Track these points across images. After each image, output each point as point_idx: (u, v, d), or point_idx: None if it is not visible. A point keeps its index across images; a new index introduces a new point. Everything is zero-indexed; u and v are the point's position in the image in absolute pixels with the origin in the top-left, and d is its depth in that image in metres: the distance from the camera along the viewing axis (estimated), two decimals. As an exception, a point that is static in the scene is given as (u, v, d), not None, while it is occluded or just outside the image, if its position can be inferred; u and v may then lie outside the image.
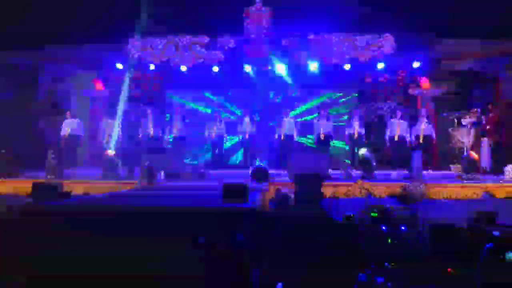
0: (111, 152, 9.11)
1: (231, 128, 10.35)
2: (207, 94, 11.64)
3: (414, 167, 7.98)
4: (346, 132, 9.78)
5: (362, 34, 10.15)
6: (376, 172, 8.37)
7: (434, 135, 9.42)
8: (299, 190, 5.12)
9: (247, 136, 9.89)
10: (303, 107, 11.42)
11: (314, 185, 5.09)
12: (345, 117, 11.01)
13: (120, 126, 9.89)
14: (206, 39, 10.36)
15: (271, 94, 11.50)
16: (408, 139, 9.46)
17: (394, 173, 8.67)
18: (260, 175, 7.23)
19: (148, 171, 7.39)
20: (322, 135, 9.58)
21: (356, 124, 9.59)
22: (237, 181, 6.16)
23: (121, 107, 10.29)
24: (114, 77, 10.89)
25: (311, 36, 10.24)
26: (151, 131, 9.83)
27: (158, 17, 10.15)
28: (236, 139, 10.61)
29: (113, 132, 9.73)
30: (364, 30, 10.16)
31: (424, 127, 9.36)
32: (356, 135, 9.58)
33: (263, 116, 11.15)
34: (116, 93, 10.80)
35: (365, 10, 9.72)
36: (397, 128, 9.48)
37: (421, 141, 9.25)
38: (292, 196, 5.38)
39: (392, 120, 9.70)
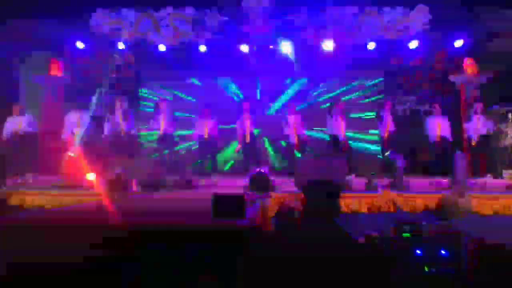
0: (72, 154, 9.03)
1: (225, 124, 10.32)
2: (194, 81, 11.57)
3: (457, 174, 7.94)
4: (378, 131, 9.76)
5: (389, 5, 10.10)
6: (408, 180, 8.33)
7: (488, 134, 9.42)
8: (309, 203, 5.04)
9: (247, 136, 9.81)
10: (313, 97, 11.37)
11: (329, 197, 5.02)
12: (369, 112, 10.95)
13: (83, 121, 9.80)
14: (191, 12, 10.30)
15: (275, 82, 11.44)
16: (450, 139, 9.44)
17: (431, 181, 8.64)
18: (260, 183, 7.18)
19: (118, 179, 7.35)
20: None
21: (388, 120, 9.52)
22: (231, 192, 6.11)
23: (83, 96, 10.25)
24: (74, 59, 10.85)
25: (325, 9, 10.18)
26: (122, 127, 9.74)
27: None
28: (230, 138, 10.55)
29: (75, 129, 9.64)
30: (392, 1, 10.10)
31: (479, 126, 9.37)
32: (387, 134, 9.50)
33: (264, 109, 11.09)
34: (77, 79, 10.73)
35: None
36: (438, 127, 9.43)
37: (473, 143, 9.29)
38: (300, 210, 5.33)
39: (430, 118, 9.65)
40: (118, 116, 9.76)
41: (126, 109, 9.91)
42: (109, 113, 9.99)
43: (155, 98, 11.21)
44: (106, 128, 9.83)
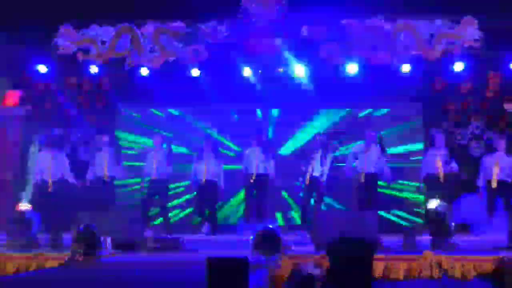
0: (24, 205, 9.03)
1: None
2: (183, 114, 11.67)
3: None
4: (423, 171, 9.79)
5: (428, 17, 10.20)
6: (456, 237, 8.28)
7: None
8: (334, 268, 5.01)
9: (252, 180, 9.82)
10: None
11: (358, 259, 5.00)
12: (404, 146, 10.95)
13: (57, 162, 9.86)
14: (181, 26, 10.46)
15: (287, 114, 11.52)
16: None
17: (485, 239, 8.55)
18: (268, 242, 7.14)
19: (87, 237, 7.31)
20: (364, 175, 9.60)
21: (440, 157, 9.57)
22: (232, 253, 6.09)
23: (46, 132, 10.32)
24: (35, 86, 10.97)
25: (346, 22, 10.30)
26: (105, 172, 9.81)
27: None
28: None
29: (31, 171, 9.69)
30: (431, 11, 10.20)
31: None
32: (441, 175, 9.52)
33: (275, 146, 11.10)
34: (38, 110, 10.87)
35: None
36: (496, 167, 9.43)
37: None
38: (322, 277, 5.28)
39: (489, 158, 9.69)
40: (103, 158, 9.82)
41: (110, 149, 9.98)
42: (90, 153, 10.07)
43: (137, 139, 11.29)
44: (89, 172, 9.97)
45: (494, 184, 9.46)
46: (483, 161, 9.73)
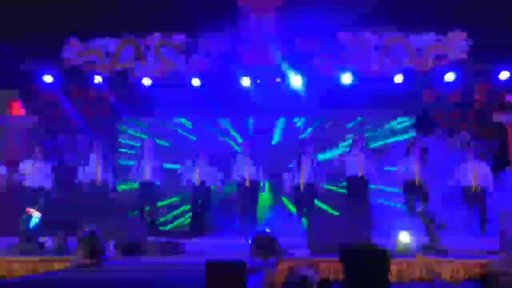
0: (33, 210, 9.04)
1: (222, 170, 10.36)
2: (184, 121, 11.68)
3: (506, 233, 7.88)
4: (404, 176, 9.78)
5: (419, 31, 10.26)
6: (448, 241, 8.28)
7: None
8: (350, 275, 4.93)
9: (248, 185, 9.88)
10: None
11: (375, 266, 4.94)
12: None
13: (48, 169, 9.90)
14: (182, 39, 10.49)
15: (284, 120, 11.56)
16: (490, 189, 9.49)
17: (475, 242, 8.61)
18: (265, 246, 7.15)
19: (91, 240, 7.32)
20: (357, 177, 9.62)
21: (416, 164, 9.64)
22: (229, 257, 6.13)
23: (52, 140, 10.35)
24: (40, 96, 11.00)
25: (341, 34, 10.38)
26: (97, 177, 9.81)
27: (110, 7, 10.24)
28: (229, 189, 10.60)
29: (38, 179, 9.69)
30: (422, 25, 10.26)
31: None
32: (417, 181, 9.60)
33: (271, 153, 11.13)
34: (44, 120, 10.93)
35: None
36: (474, 173, 9.51)
37: None
38: (315, 278, 5.30)
39: (462, 164, 9.72)
40: (94, 163, 9.84)
41: (104, 155, 9.99)
42: (83, 160, 10.05)
43: (137, 145, 11.34)
44: (80, 176, 9.93)
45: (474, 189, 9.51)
46: (460, 168, 9.75)
